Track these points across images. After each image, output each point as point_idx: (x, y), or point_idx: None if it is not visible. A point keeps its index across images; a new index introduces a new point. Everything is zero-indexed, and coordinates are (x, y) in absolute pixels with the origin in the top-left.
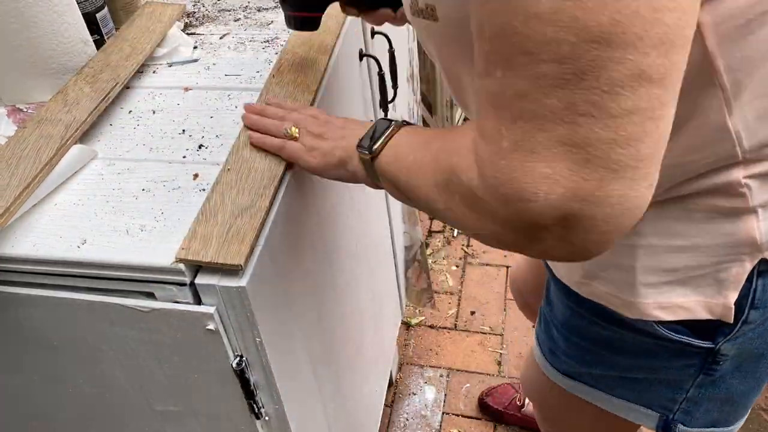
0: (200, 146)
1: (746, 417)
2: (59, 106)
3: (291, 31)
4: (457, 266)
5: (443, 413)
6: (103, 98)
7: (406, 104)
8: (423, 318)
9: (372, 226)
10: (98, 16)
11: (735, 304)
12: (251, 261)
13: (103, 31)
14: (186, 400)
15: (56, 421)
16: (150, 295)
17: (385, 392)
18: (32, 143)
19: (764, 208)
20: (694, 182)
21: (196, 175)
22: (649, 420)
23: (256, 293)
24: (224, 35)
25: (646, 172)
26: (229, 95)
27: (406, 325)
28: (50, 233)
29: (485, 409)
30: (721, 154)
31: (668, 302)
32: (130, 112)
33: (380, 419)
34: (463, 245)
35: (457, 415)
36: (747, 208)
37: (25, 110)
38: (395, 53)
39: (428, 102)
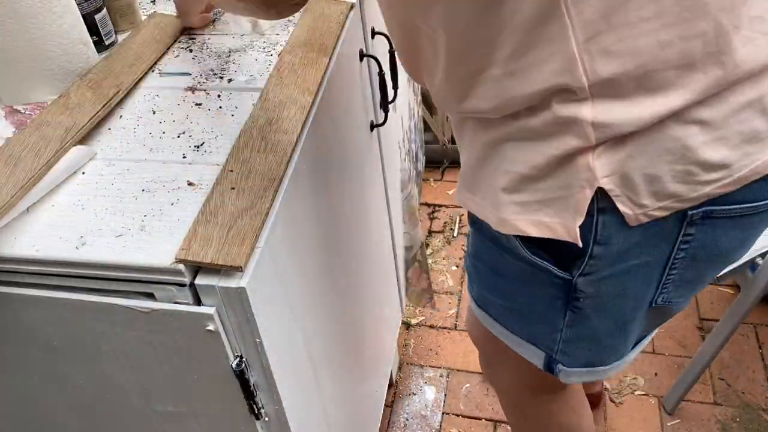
0: (200, 146)
1: (620, 363)
2: (61, 109)
3: (291, 31)
4: (457, 266)
5: (443, 413)
6: (105, 104)
7: (406, 104)
8: (423, 318)
9: (372, 226)
10: (97, 17)
11: (582, 238)
12: (251, 262)
13: (102, 32)
14: (186, 400)
15: (56, 421)
16: (150, 296)
17: (385, 392)
18: (31, 145)
19: (604, 145)
20: (540, 111)
21: (191, 183)
22: (537, 358)
23: (256, 294)
24: (224, 36)
25: None
26: (229, 96)
27: (406, 325)
28: (50, 234)
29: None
30: (568, 83)
31: (535, 219)
32: (131, 112)
33: (380, 419)
34: (463, 245)
35: (457, 415)
36: (589, 147)
37: (23, 111)
38: (395, 53)
39: (428, 102)
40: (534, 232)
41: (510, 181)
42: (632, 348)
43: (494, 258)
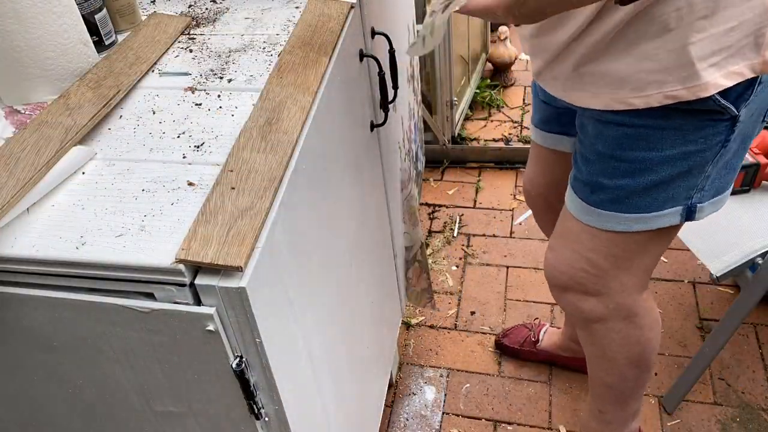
0: (200, 146)
1: (732, 183)
2: (61, 109)
3: (291, 31)
4: (457, 266)
5: (443, 413)
6: (105, 104)
7: (406, 104)
8: (423, 318)
9: (372, 226)
10: (97, 17)
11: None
12: (251, 262)
13: (102, 32)
14: (186, 400)
15: (56, 421)
16: (150, 296)
17: (385, 392)
18: (31, 145)
19: None
20: None
21: (191, 183)
22: (674, 217)
23: (256, 294)
24: (224, 36)
25: None
26: (229, 96)
27: (406, 325)
28: (50, 234)
29: (503, 350)
30: None
31: (726, 72)
32: (131, 112)
33: (380, 419)
34: (463, 245)
35: (457, 415)
36: None
37: (23, 111)
38: (395, 53)
39: (428, 102)
40: (728, 83)
41: (702, 48)
42: None
43: (648, 138)
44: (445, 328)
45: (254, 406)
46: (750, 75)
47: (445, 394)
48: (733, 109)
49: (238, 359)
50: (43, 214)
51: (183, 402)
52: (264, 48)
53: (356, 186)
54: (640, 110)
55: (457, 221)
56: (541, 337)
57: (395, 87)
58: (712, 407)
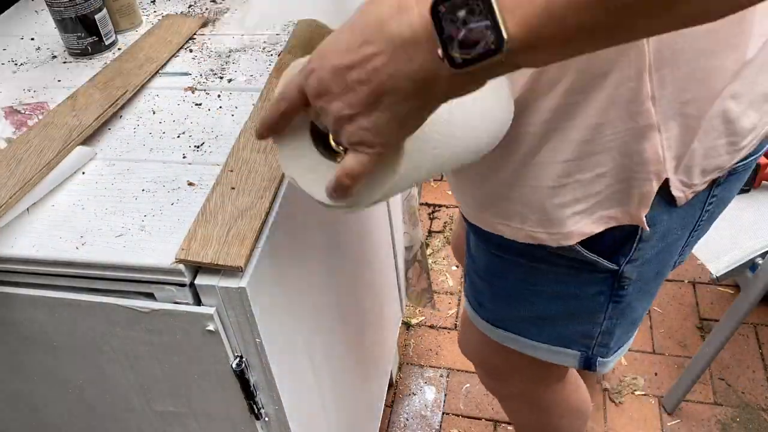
0: (200, 146)
1: (636, 330)
2: (67, 110)
3: (291, 31)
4: (457, 266)
5: (443, 413)
6: (111, 104)
7: None
8: (423, 318)
9: (372, 226)
10: (97, 17)
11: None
12: (251, 262)
13: (102, 32)
14: (186, 400)
15: (56, 421)
16: (150, 296)
17: (385, 392)
18: (35, 146)
19: (665, 125)
20: (601, 89)
21: (191, 183)
22: (571, 360)
23: (256, 294)
24: (224, 36)
25: None
26: (229, 96)
27: (406, 325)
28: (50, 234)
29: None
30: (631, 56)
31: (596, 217)
32: (131, 112)
33: (380, 419)
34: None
35: (457, 415)
36: (651, 124)
37: (22, 112)
38: None
39: None
40: (598, 228)
41: (564, 194)
42: None
43: (523, 271)
44: (445, 328)
45: (254, 406)
46: (626, 221)
47: (445, 394)
48: (607, 264)
49: (238, 359)
50: (43, 214)
51: (183, 402)
52: (264, 48)
53: None
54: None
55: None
56: None
57: None
58: (712, 407)
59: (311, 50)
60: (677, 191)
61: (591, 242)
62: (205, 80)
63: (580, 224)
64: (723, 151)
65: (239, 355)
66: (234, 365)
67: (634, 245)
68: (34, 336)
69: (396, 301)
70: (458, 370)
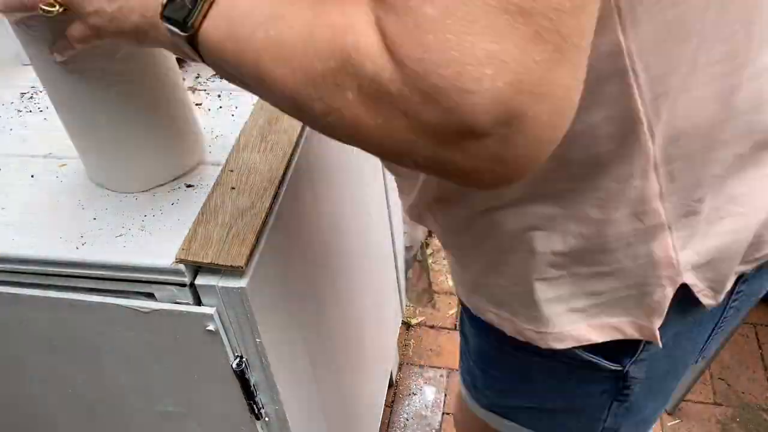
0: (200, 146)
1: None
2: None
3: None
4: None
5: (443, 413)
6: None
7: None
8: (423, 318)
9: (372, 226)
10: None
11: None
12: (251, 262)
13: None
14: (186, 400)
15: (56, 421)
16: (150, 296)
17: (385, 392)
18: None
19: (677, 224)
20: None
21: (189, 185)
22: None
23: (256, 294)
24: None
25: (584, 56)
26: (229, 96)
27: (406, 325)
28: (50, 234)
29: None
30: (633, 149)
31: (596, 323)
32: None
33: (380, 419)
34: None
35: None
36: (661, 224)
37: None
38: None
39: None
40: (599, 338)
41: (557, 287)
42: None
43: (517, 363)
44: (445, 328)
45: (254, 406)
46: (634, 335)
47: (445, 394)
48: (609, 365)
49: (238, 359)
50: (43, 213)
51: (183, 402)
52: None
53: (356, 186)
54: None
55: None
56: None
57: None
58: (712, 407)
59: None
60: (706, 299)
61: (590, 347)
62: (205, 80)
63: (577, 326)
64: (748, 251)
65: (239, 355)
66: (234, 365)
67: (641, 346)
68: (34, 336)
69: (396, 301)
70: (458, 371)
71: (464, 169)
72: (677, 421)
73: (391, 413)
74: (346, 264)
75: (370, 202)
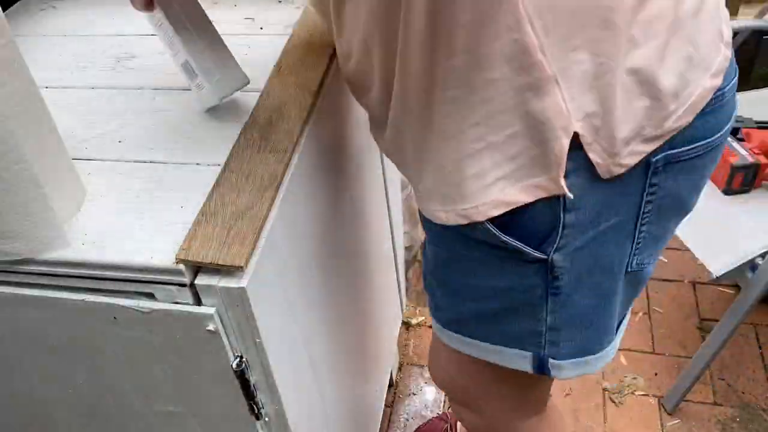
0: (200, 146)
1: (609, 349)
2: None
3: (291, 31)
4: None
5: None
6: None
7: None
8: (423, 318)
9: (372, 226)
10: None
11: (551, 209)
12: (251, 262)
13: None
14: (186, 400)
15: (56, 421)
16: (150, 296)
17: (385, 392)
18: None
19: (563, 76)
20: (491, 46)
21: (190, 185)
22: (524, 362)
23: (256, 294)
24: (223, 35)
25: None
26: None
27: (407, 325)
28: (50, 234)
29: None
30: (505, 6)
31: (521, 185)
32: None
33: (380, 419)
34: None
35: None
36: (547, 76)
37: None
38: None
39: None
40: (527, 197)
41: (481, 159)
42: (616, 331)
43: (461, 263)
44: None
45: (254, 406)
46: (553, 190)
47: (445, 395)
48: (533, 252)
49: (238, 359)
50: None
51: (183, 402)
52: (264, 48)
53: (356, 186)
54: None
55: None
56: (458, 430)
57: None
58: (712, 407)
59: (311, 50)
60: (596, 156)
61: (507, 225)
62: None
63: (506, 191)
64: (642, 115)
65: (239, 355)
66: (234, 365)
67: (559, 229)
68: (34, 336)
69: (396, 301)
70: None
71: None
72: (677, 421)
73: (391, 413)
74: (346, 264)
75: (370, 202)
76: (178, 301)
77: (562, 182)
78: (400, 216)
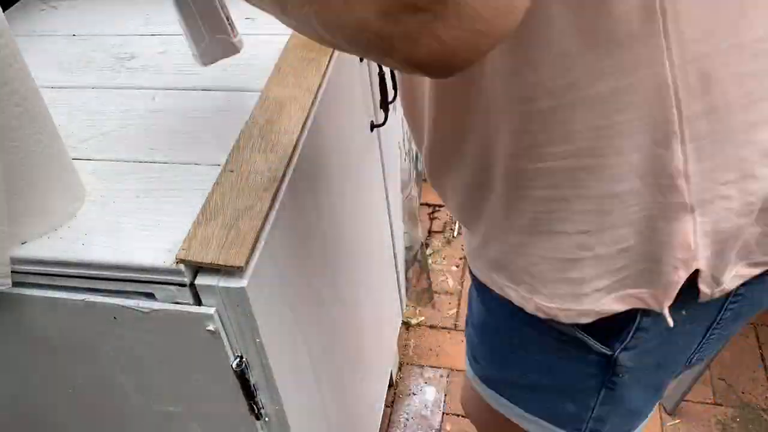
0: (200, 146)
1: (644, 422)
2: None
3: (292, 31)
4: (457, 266)
5: (443, 413)
6: None
7: None
8: (423, 318)
9: (372, 226)
10: None
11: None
12: (251, 262)
13: None
14: (186, 400)
15: (56, 421)
16: (150, 296)
17: (385, 392)
18: None
19: (702, 206)
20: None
21: (190, 185)
22: None
23: (256, 294)
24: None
25: None
26: (229, 96)
27: (406, 325)
28: (50, 234)
29: None
30: (657, 118)
31: (619, 295)
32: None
33: (380, 419)
34: (463, 245)
35: (457, 416)
36: (683, 203)
37: None
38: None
39: None
40: (622, 307)
41: (582, 268)
42: None
43: (516, 333)
44: (445, 328)
45: (254, 406)
46: (653, 305)
47: (445, 395)
48: (599, 347)
49: (238, 359)
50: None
51: (183, 402)
52: (264, 48)
53: (356, 186)
54: None
55: (457, 221)
56: None
57: (395, 87)
58: (712, 407)
59: (311, 50)
60: (706, 287)
61: (584, 325)
62: (205, 80)
63: (601, 302)
64: (754, 242)
65: (239, 355)
66: (234, 365)
67: (632, 332)
68: (34, 336)
69: (396, 301)
70: (458, 370)
71: (406, 43)
72: (677, 421)
73: (391, 413)
74: (346, 264)
75: (370, 202)
76: (178, 301)
77: (666, 312)
78: (400, 216)
